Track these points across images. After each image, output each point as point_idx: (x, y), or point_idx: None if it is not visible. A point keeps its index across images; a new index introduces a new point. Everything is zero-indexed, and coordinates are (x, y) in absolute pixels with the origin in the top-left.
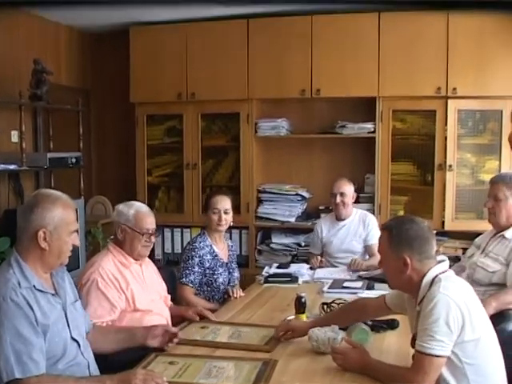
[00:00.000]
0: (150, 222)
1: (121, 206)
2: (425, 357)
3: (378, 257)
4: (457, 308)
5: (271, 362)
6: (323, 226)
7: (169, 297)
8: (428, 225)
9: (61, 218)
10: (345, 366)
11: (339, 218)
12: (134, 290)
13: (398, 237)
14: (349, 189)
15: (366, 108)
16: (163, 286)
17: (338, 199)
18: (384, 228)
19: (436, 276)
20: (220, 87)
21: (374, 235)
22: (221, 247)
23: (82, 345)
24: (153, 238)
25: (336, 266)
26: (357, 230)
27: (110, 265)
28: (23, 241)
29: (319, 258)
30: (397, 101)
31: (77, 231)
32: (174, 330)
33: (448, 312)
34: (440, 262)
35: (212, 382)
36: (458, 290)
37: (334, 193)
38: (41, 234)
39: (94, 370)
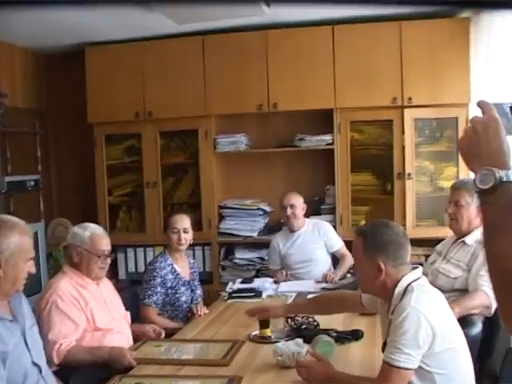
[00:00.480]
0: (105, 243)
1: (75, 229)
2: (392, 368)
3: (347, 257)
4: (427, 323)
5: (236, 379)
6: (279, 240)
7: (128, 314)
8: (403, 230)
9: (17, 245)
10: (310, 380)
11: (292, 230)
12: (94, 309)
13: (372, 242)
14: (298, 201)
15: (323, 120)
16: (122, 305)
17: (289, 211)
18: (359, 233)
19: (409, 284)
20: (177, 104)
21: (335, 240)
22: (182, 265)
23: (44, 369)
24: (108, 260)
25: (297, 278)
26: (312, 238)
27: (67, 286)
28: None
29: (283, 271)
30: (354, 112)
31: (33, 258)
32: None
33: (418, 327)
34: (414, 268)
35: None
36: (429, 301)
37: (284, 205)
38: None
39: None
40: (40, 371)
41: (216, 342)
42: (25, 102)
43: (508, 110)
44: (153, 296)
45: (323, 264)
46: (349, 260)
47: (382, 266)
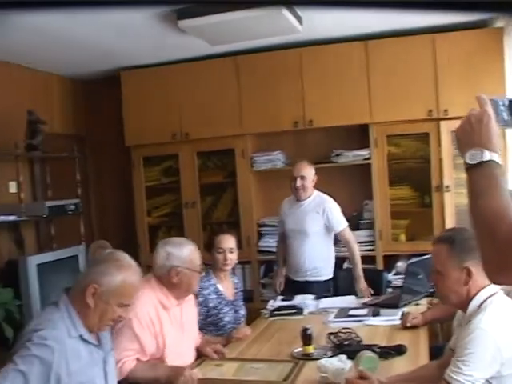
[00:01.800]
0: (201, 257)
1: (169, 249)
2: None
3: (352, 244)
4: (495, 346)
5: None
6: (284, 206)
7: (200, 336)
8: None
9: (118, 286)
10: None
11: (299, 200)
12: (167, 335)
13: (460, 247)
14: (309, 172)
15: (359, 135)
16: (196, 324)
17: (299, 183)
18: (441, 240)
19: (485, 300)
20: (213, 125)
21: (339, 221)
22: (226, 285)
23: None
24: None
25: (291, 249)
26: (312, 211)
27: (147, 305)
28: (76, 290)
29: (282, 281)
30: (390, 126)
31: (128, 305)
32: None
33: (485, 350)
34: None
35: None
36: (501, 323)
37: (294, 176)
38: (91, 289)
39: None
40: None
41: (274, 362)
42: (63, 127)
43: (502, 106)
44: None
45: (318, 242)
46: (355, 248)
47: (472, 270)
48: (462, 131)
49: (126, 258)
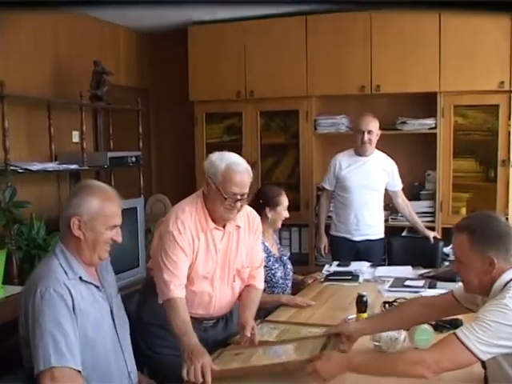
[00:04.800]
0: (239, 183)
1: (215, 156)
2: (456, 341)
3: (407, 203)
4: None
5: None
6: (341, 161)
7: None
8: (505, 220)
9: (98, 208)
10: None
11: (361, 154)
12: (199, 260)
13: (481, 236)
14: (376, 126)
15: (426, 103)
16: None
17: (366, 137)
18: (462, 229)
19: (509, 281)
20: (279, 85)
21: (397, 181)
22: (271, 243)
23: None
24: (238, 204)
25: (349, 203)
26: (378, 168)
27: (188, 220)
28: (62, 229)
29: (326, 245)
30: (458, 96)
31: (119, 226)
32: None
33: (504, 322)
34: None
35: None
36: None
37: (361, 130)
38: (74, 221)
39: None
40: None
41: (306, 339)
42: (128, 80)
43: None
44: None
45: (380, 198)
46: (410, 206)
47: (495, 260)
48: None
49: (95, 183)
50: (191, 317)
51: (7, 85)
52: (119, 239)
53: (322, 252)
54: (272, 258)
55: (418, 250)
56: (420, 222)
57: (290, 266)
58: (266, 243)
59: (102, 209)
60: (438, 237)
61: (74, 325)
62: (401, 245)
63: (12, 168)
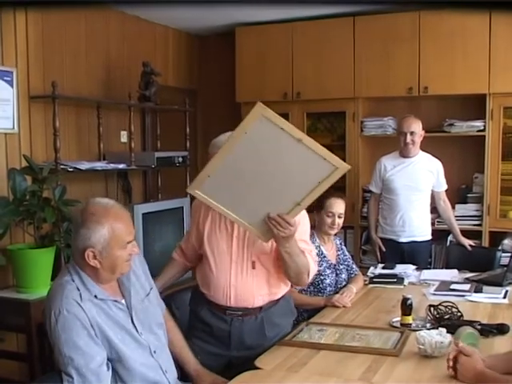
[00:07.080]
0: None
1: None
2: None
3: (449, 205)
4: None
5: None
6: (386, 164)
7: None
8: None
9: (109, 234)
10: (457, 375)
11: (405, 156)
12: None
13: None
14: (419, 127)
15: (475, 105)
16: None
17: (409, 138)
18: None
19: None
20: (325, 86)
21: (442, 181)
22: (329, 248)
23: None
24: None
25: (396, 205)
26: (424, 169)
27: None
28: (76, 258)
29: (380, 245)
30: (508, 97)
31: (132, 240)
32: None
33: None
34: None
35: None
36: None
37: (403, 131)
38: (89, 253)
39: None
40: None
41: (382, 329)
42: (176, 81)
43: None
44: None
45: (427, 200)
46: (451, 209)
47: None
48: None
49: (96, 206)
50: (213, 303)
51: (59, 85)
52: (136, 251)
53: (378, 254)
54: (325, 264)
55: (475, 258)
56: (457, 228)
57: (344, 275)
58: (322, 247)
59: (113, 233)
60: (473, 244)
61: (93, 339)
62: (459, 252)
63: (62, 167)
